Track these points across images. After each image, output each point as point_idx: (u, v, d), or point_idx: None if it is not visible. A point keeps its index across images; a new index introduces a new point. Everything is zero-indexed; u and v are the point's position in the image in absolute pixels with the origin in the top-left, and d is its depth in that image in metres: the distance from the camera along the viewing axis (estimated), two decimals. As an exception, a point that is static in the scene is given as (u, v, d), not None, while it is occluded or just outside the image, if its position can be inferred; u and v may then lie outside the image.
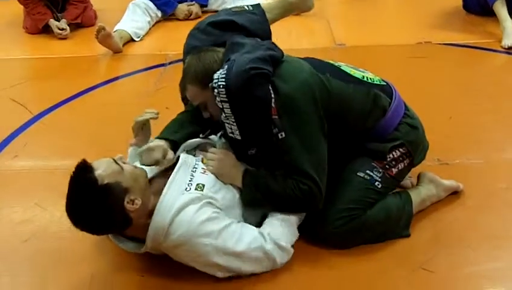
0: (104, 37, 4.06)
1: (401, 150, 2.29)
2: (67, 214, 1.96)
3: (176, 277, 2.10)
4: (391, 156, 2.28)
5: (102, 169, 1.92)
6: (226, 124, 2.12)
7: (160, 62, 3.97)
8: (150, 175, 2.14)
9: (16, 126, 3.21)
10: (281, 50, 2.25)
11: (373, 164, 2.27)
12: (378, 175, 2.26)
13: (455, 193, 2.50)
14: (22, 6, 4.59)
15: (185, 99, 2.37)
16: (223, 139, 2.27)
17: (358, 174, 2.25)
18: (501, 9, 4.01)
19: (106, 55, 4.14)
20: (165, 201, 2.00)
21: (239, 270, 2.07)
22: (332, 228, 2.19)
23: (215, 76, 2.05)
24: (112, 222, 1.97)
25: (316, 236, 2.25)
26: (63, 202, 2.47)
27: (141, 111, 3.24)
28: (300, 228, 2.24)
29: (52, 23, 4.45)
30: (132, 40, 4.37)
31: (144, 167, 2.14)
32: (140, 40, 4.41)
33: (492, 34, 4.13)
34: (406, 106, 2.38)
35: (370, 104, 2.25)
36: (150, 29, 4.55)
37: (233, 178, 2.15)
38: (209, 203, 2.04)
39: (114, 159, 1.99)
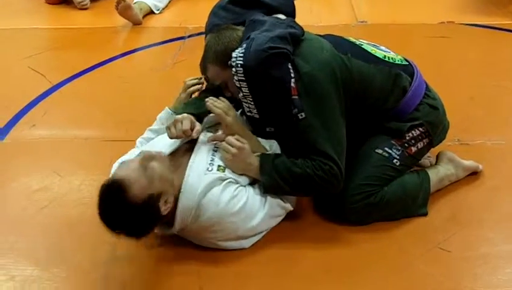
0: (124, 9, 4.03)
1: (420, 129, 2.28)
2: (103, 221, 1.91)
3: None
4: (410, 134, 2.27)
5: (135, 187, 1.86)
6: (244, 103, 2.12)
7: (180, 35, 3.94)
8: (170, 150, 2.13)
9: (34, 95, 3.21)
10: (301, 27, 2.22)
11: (392, 141, 2.25)
12: (397, 153, 2.24)
13: (474, 174, 2.48)
14: (42, -24, 4.57)
15: (206, 78, 2.35)
16: (244, 117, 2.24)
17: (376, 151, 2.24)
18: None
19: (126, 27, 4.11)
20: (188, 183, 2.00)
21: (264, 231, 2.13)
22: (350, 204, 2.18)
23: (234, 54, 2.04)
24: (151, 226, 1.98)
25: (334, 212, 2.25)
26: (81, 171, 2.55)
27: (158, 84, 3.30)
28: (318, 204, 2.25)
29: (73, -7, 4.42)
30: (152, 12, 4.33)
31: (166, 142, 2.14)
32: (160, 12, 4.38)
33: (516, 15, 4.07)
34: (427, 86, 2.35)
35: (391, 84, 2.23)
36: (169, 2, 4.51)
37: (249, 171, 2.10)
38: (231, 181, 2.05)
39: (142, 163, 1.93)
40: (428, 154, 2.47)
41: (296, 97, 2.03)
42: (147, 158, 1.94)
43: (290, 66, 2.04)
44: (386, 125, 2.26)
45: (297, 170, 2.06)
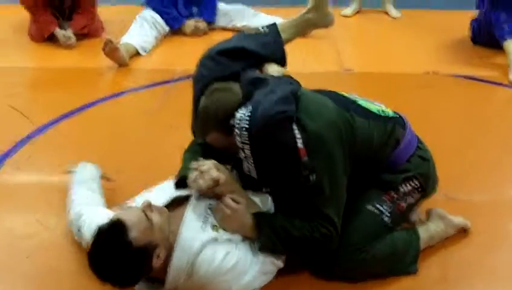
0: (112, 50, 4.02)
1: (412, 183, 2.27)
2: (91, 267, 1.89)
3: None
4: (403, 188, 2.26)
5: (136, 230, 1.87)
6: (244, 162, 2.10)
7: (167, 78, 3.93)
8: (167, 201, 2.11)
9: (18, 137, 3.16)
10: (297, 82, 2.23)
11: (383, 197, 2.24)
12: (388, 209, 2.23)
13: (462, 231, 2.48)
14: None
15: (195, 133, 2.34)
16: (235, 172, 2.21)
17: (367, 207, 2.22)
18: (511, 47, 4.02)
19: (112, 68, 4.09)
20: (181, 242, 1.97)
21: (257, 286, 2.10)
22: (339, 260, 2.17)
23: (238, 116, 2.02)
24: (139, 277, 1.95)
25: (323, 268, 2.23)
26: (64, 221, 2.48)
27: (146, 128, 3.25)
28: (307, 260, 2.23)
29: (58, 32, 4.38)
30: (138, 54, 4.33)
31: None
32: (147, 54, 4.38)
33: (500, 66, 4.12)
34: (418, 138, 2.37)
35: (386, 137, 2.24)
36: (156, 43, 4.52)
37: (243, 231, 2.06)
38: (225, 241, 2.03)
39: (144, 210, 1.94)
40: (418, 210, 2.48)
41: (306, 159, 2.00)
42: (148, 207, 1.94)
43: (295, 127, 2.01)
44: (379, 178, 2.25)
45: (295, 233, 2.05)
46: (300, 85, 2.22)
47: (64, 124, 3.36)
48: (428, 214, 2.47)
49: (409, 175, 2.26)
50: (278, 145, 2.01)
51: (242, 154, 2.06)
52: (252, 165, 2.06)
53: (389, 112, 2.33)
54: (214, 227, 2.03)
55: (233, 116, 2.04)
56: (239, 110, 2.03)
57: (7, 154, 3.02)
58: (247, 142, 2.02)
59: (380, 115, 2.26)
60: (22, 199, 2.69)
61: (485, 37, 4.38)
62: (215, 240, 2.00)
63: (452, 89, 3.88)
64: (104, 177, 2.62)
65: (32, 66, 4.24)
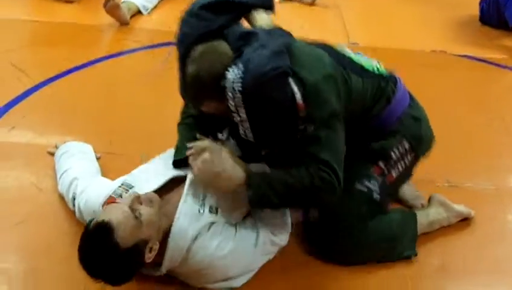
0: (112, 8, 3.90)
1: (403, 147, 2.20)
2: (83, 267, 1.79)
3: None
4: (393, 155, 2.19)
5: (122, 229, 1.75)
6: (240, 126, 1.99)
7: (168, 39, 3.74)
8: (159, 184, 2.03)
9: (14, 94, 3.07)
10: (289, 33, 2.11)
11: (372, 172, 2.17)
12: (377, 185, 2.17)
13: (465, 219, 2.44)
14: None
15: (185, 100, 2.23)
16: (231, 140, 2.15)
17: (356, 186, 2.16)
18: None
19: (112, 26, 3.97)
20: (178, 227, 1.91)
21: (256, 269, 2.06)
22: (334, 244, 2.16)
23: (229, 76, 1.88)
24: (132, 274, 1.86)
25: (320, 251, 2.21)
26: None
27: (146, 91, 3.14)
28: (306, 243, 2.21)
29: (59, -16, 4.26)
30: (140, 12, 4.21)
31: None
32: (149, 13, 4.26)
33: (509, 49, 4.07)
34: (411, 96, 2.29)
35: (378, 94, 2.16)
36: (158, 2, 4.39)
37: (228, 182, 1.93)
38: (224, 222, 1.98)
39: (130, 206, 1.81)
40: (420, 195, 2.44)
41: (305, 113, 1.91)
42: (136, 201, 1.83)
43: (291, 81, 1.90)
44: (368, 147, 2.18)
45: (291, 180, 1.92)
46: (292, 36, 2.10)
47: (62, 82, 3.27)
48: (430, 200, 2.42)
49: (400, 138, 2.19)
50: (275, 103, 1.89)
51: (237, 118, 1.94)
52: (248, 128, 1.96)
53: (382, 69, 2.23)
54: (211, 209, 1.97)
55: (224, 77, 1.90)
56: (229, 69, 1.89)
57: (2, 113, 2.94)
58: (241, 104, 1.90)
59: (374, 73, 2.17)
60: (17, 160, 2.62)
61: (493, 17, 4.31)
62: (212, 223, 1.95)
63: (459, 70, 3.81)
64: None
65: (31, 18, 4.08)
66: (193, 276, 1.98)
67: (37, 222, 2.27)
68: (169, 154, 2.15)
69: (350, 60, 2.15)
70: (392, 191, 2.27)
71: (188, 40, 2.04)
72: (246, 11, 2.17)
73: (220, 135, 2.18)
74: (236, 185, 1.94)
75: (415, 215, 2.32)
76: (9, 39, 3.69)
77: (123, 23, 4.00)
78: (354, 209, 2.14)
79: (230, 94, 1.89)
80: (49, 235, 2.21)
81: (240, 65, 1.89)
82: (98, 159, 2.56)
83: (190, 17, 2.12)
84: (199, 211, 1.95)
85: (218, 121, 2.10)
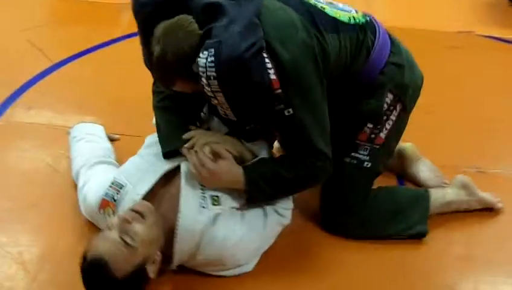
0: (132, -14, 3.84)
1: (387, 100, 2.08)
2: None
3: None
4: (378, 114, 2.09)
5: (116, 261, 1.69)
6: (219, 108, 1.90)
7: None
8: (151, 184, 1.94)
9: (32, 73, 3.05)
10: None
11: (357, 141, 2.09)
12: (365, 153, 2.11)
13: (490, 209, 2.35)
14: None
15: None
16: (215, 119, 2.07)
17: (345, 160, 2.11)
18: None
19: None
20: (183, 227, 1.86)
21: (264, 250, 2.03)
22: (344, 227, 2.15)
23: (201, 63, 1.73)
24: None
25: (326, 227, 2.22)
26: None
27: None
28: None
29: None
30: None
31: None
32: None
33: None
34: (391, 41, 2.12)
35: (358, 49, 2.01)
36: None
37: (233, 186, 1.94)
38: (229, 211, 1.93)
39: (120, 232, 1.73)
40: (440, 177, 2.40)
41: (280, 91, 1.78)
42: (125, 223, 1.74)
43: (265, 55, 1.76)
44: (353, 111, 2.08)
45: (287, 175, 1.92)
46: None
47: (81, 62, 3.24)
48: (452, 180, 2.35)
49: (383, 92, 2.06)
50: (252, 84, 1.76)
51: (215, 101, 1.84)
52: (228, 108, 1.86)
53: (360, 17, 2.06)
54: (213, 199, 1.92)
55: (195, 61, 1.76)
56: (200, 54, 1.74)
57: (20, 92, 2.91)
58: (218, 89, 1.77)
59: (350, 24, 2.01)
60: (33, 140, 2.60)
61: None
62: (217, 216, 1.90)
63: (486, 52, 3.68)
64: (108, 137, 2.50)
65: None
66: (204, 267, 1.96)
67: (52, 204, 2.25)
68: (156, 142, 2.05)
69: (324, 14, 1.96)
70: (384, 151, 2.17)
71: (146, 9, 1.90)
72: None
73: (202, 115, 2.11)
74: (233, 182, 1.92)
75: (428, 193, 2.26)
76: (28, 17, 3.66)
77: (143, 1, 3.93)
78: (347, 184, 2.11)
79: (204, 80, 1.77)
80: (64, 217, 2.19)
81: (211, 49, 1.73)
82: (115, 140, 2.53)
83: None
84: (202, 205, 1.89)
85: (195, 98, 1.98)
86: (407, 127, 2.24)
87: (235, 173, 1.91)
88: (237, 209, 1.96)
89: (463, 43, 3.73)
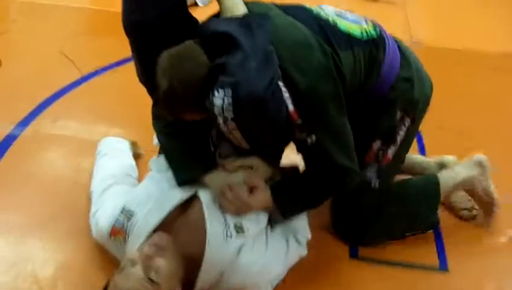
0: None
1: (397, 116, 2.01)
2: None
3: None
4: (388, 131, 2.03)
5: None
6: (232, 138, 1.80)
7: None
8: (163, 214, 1.85)
9: (61, 84, 3.01)
10: (264, 14, 1.80)
11: (365, 161, 2.02)
12: (373, 171, 2.05)
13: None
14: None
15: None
16: (225, 144, 1.98)
17: None
18: None
19: (168, 17, 3.88)
20: (210, 256, 1.78)
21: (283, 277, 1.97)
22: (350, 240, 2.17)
23: (216, 103, 1.66)
24: None
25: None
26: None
27: None
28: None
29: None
30: (196, 4, 4.10)
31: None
32: (205, 5, 4.13)
33: None
34: (400, 52, 2.02)
35: (370, 64, 1.92)
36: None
37: (263, 208, 1.91)
38: (253, 239, 1.86)
39: (144, 270, 1.67)
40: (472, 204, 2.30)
41: (300, 121, 1.73)
42: (148, 261, 1.68)
43: (281, 84, 1.68)
44: (361, 130, 1.96)
45: (315, 192, 1.93)
46: (269, 15, 1.80)
47: (111, 74, 3.20)
48: (469, 159, 2.27)
49: (393, 108, 1.99)
50: (271, 119, 1.69)
51: (229, 135, 1.76)
52: (244, 140, 1.77)
53: (371, 30, 1.96)
54: (237, 228, 1.83)
55: (206, 94, 1.68)
56: (215, 93, 1.66)
57: (48, 102, 2.88)
58: (235, 128, 1.70)
59: (363, 39, 1.91)
60: (57, 152, 2.58)
61: None
62: (242, 245, 1.82)
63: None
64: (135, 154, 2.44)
65: (87, 7, 4.05)
66: None
67: (70, 219, 2.20)
68: (167, 167, 1.98)
69: (336, 30, 1.88)
70: (393, 168, 2.12)
71: (141, 29, 1.84)
72: None
73: (214, 138, 2.03)
74: (264, 207, 1.90)
75: (437, 180, 2.20)
76: (62, 28, 3.66)
77: (179, 14, 3.89)
78: (360, 206, 2.09)
79: (220, 120, 1.69)
80: (80, 234, 2.12)
81: (228, 90, 1.65)
82: (140, 156, 2.46)
83: (135, 0, 1.89)
84: (227, 235, 1.81)
85: (202, 122, 1.88)
86: (442, 151, 2.18)
87: (268, 199, 1.89)
88: (260, 235, 1.89)
89: (508, 67, 3.57)
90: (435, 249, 2.19)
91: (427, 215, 2.18)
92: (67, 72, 3.13)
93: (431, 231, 2.23)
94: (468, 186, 2.24)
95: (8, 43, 3.49)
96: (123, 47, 3.35)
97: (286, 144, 1.94)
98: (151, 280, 1.64)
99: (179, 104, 1.74)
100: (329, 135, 1.79)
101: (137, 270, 1.66)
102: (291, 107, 1.70)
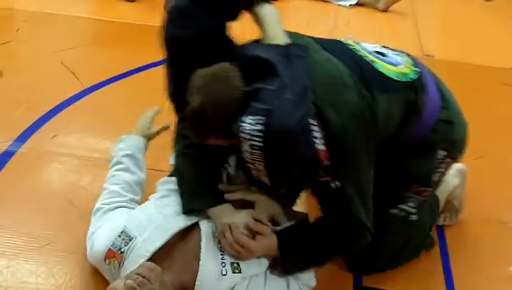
0: (172, 8, 3.74)
1: (439, 156, 1.96)
2: None
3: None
4: (430, 173, 1.98)
5: None
6: (253, 171, 1.73)
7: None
8: (162, 242, 1.79)
9: (62, 98, 2.95)
10: (305, 46, 1.75)
11: (407, 193, 1.97)
12: (413, 205, 1.98)
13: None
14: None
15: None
16: (240, 174, 1.92)
17: (392, 211, 1.98)
18: None
19: (173, 28, 3.81)
20: None
21: None
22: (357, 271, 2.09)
23: (246, 129, 1.59)
24: None
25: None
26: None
27: None
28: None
29: (122, -18, 4.15)
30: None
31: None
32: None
33: None
34: (440, 92, 1.95)
35: (408, 110, 1.86)
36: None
37: (266, 255, 1.82)
38: (250, 278, 1.76)
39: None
40: None
41: (327, 163, 1.66)
42: (146, 286, 1.61)
43: (314, 122, 1.62)
44: (402, 168, 1.94)
45: (324, 247, 1.84)
46: (309, 48, 1.75)
47: (114, 86, 3.13)
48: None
49: (435, 150, 1.94)
50: (298, 155, 1.63)
51: (251, 166, 1.69)
52: (265, 175, 1.70)
53: (410, 72, 1.89)
54: (234, 268, 1.75)
55: (235, 119, 1.62)
56: (246, 119, 1.60)
57: (48, 117, 2.81)
58: (260, 159, 1.63)
59: (400, 82, 1.84)
60: (53, 171, 2.50)
61: None
62: (237, 284, 1.73)
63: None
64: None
65: (90, 16, 3.98)
66: None
67: (62, 243, 2.12)
68: (174, 191, 1.93)
69: (373, 70, 1.83)
70: (428, 205, 2.09)
71: (179, 45, 1.79)
72: (246, 6, 1.85)
73: (229, 168, 1.96)
74: (268, 254, 1.81)
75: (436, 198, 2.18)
76: (63, 38, 3.60)
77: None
78: (390, 238, 2.01)
79: (247, 148, 1.62)
80: (72, 261, 2.06)
81: (260, 117, 1.58)
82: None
83: (180, 16, 1.81)
84: (222, 273, 1.73)
85: (221, 149, 1.83)
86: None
87: (272, 246, 1.80)
88: (259, 276, 1.79)
89: (520, 81, 3.49)
90: (442, 276, 2.12)
91: (425, 239, 2.15)
92: (69, 84, 3.07)
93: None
94: (450, 195, 2.25)
95: (10, 53, 3.44)
96: (127, 58, 3.36)
97: (305, 186, 1.86)
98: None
99: (205, 125, 1.68)
100: (354, 183, 1.73)
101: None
102: (321, 147, 1.64)
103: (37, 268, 2.02)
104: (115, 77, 3.19)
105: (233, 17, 1.83)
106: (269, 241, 1.79)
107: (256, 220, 1.81)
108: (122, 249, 1.80)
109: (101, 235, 1.90)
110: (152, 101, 2.97)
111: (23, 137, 2.66)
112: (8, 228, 2.17)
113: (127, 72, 3.24)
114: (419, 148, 1.92)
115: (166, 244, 1.78)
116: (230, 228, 1.77)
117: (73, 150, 2.61)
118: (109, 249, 1.83)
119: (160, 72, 3.22)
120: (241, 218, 1.80)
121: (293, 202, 2.01)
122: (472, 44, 3.96)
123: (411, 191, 1.97)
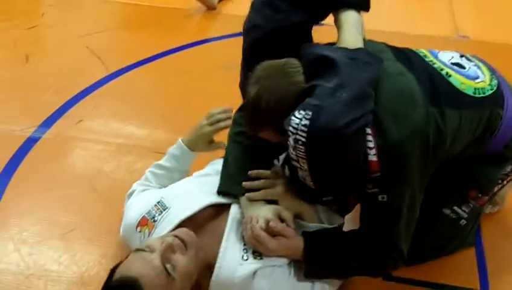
0: (200, -9, 3.70)
1: (508, 169, 1.90)
2: None
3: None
4: (493, 183, 1.91)
5: (150, 286, 1.51)
6: (299, 170, 1.65)
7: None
8: (192, 211, 1.76)
9: (87, 83, 2.92)
10: (378, 57, 1.66)
11: (465, 197, 1.89)
12: (466, 210, 1.91)
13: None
14: None
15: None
16: (286, 170, 1.86)
17: (444, 211, 1.91)
18: None
19: (199, 11, 3.76)
20: (220, 276, 1.65)
21: None
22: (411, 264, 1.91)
23: (293, 123, 1.51)
24: None
25: None
26: (120, 189, 2.19)
27: (227, 87, 2.74)
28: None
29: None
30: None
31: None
32: (239, -1, 4.01)
33: None
34: None
35: (481, 130, 1.76)
36: (251, -13, 4.12)
37: (290, 257, 1.74)
38: (270, 267, 1.70)
39: (162, 259, 1.55)
40: None
41: (378, 175, 1.57)
42: (169, 250, 1.58)
43: (369, 131, 1.54)
44: (467, 172, 1.86)
45: (352, 262, 1.73)
46: (382, 63, 1.65)
47: (139, 71, 3.09)
48: None
49: (504, 164, 1.88)
50: (344, 161, 1.54)
51: (296, 164, 1.62)
52: (309, 175, 1.62)
53: (487, 86, 1.77)
54: (256, 255, 1.69)
55: (288, 115, 1.55)
56: (296, 113, 1.52)
57: (73, 102, 2.79)
58: (303, 156, 1.55)
59: (475, 98, 1.74)
60: (78, 156, 2.48)
61: None
62: (257, 270, 1.67)
63: None
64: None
65: (121, 0, 3.93)
66: None
67: (84, 230, 2.10)
68: (217, 172, 1.90)
69: (447, 84, 1.73)
70: (477, 214, 1.99)
71: (258, 33, 1.79)
72: (332, 8, 1.81)
73: (276, 162, 1.91)
74: (292, 256, 1.73)
75: None
76: (89, 22, 3.58)
77: (210, 7, 3.79)
78: (435, 236, 1.93)
79: (292, 142, 1.54)
80: (94, 248, 2.04)
81: (309, 112, 1.51)
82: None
83: (263, 6, 1.81)
84: (243, 258, 1.68)
85: (274, 145, 1.76)
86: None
87: (297, 248, 1.72)
88: (284, 265, 1.72)
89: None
90: (476, 270, 2.02)
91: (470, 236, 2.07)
92: (94, 69, 3.04)
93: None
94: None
95: (36, 38, 3.43)
96: (153, 42, 3.31)
97: (352, 195, 1.79)
98: (167, 272, 1.53)
99: (259, 116, 1.64)
100: (402, 202, 1.64)
101: (155, 258, 1.54)
102: (374, 158, 1.55)
103: (59, 256, 2.00)
104: (140, 61, 3.15)
105: (320, 17, 1.82)
106: (294, 243, 1.71)
107: (282, 220, 1.73)
108: (155, 218, 1.79)
109: (138, 202, 1.91)
110: (178, 86, 2.96)
111: (49, 122, 2.64)
112: (30, 214, 2.16)
113: (153, 56, 3.19)
114: (490, 160, 1.85)
115: (196, 218, 1.75)
116: (252, 220, 1.71)
117: (98, 136, 2.58)
118: (143, 216, 1.82)
119: (187, 56, 3.24)
120: (266, 213, 1.74)
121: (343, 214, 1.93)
122: (509, 24, 3.80)
123: (469, 195, 1.90)
